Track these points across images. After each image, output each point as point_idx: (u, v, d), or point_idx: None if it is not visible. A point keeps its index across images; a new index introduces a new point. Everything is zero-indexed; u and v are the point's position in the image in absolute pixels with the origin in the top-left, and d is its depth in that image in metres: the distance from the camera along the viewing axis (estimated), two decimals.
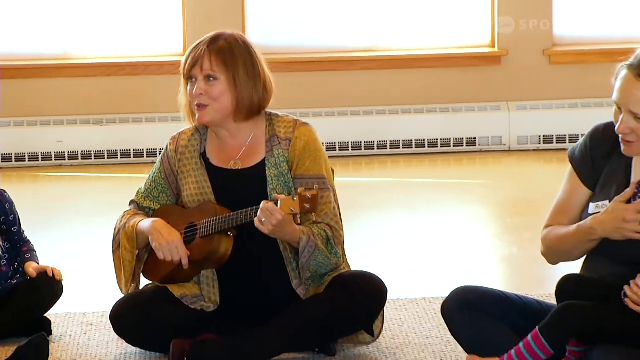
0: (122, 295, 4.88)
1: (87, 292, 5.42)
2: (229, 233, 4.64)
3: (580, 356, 4.06)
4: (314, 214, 4.51)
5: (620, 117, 4.11)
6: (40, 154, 7.82)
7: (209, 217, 4.69)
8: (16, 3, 7.98)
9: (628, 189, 4.11)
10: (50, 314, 5.13)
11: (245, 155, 4.82)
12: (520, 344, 4.07)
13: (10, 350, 4.60)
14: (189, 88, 4.77)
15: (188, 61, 4.75)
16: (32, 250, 5.17)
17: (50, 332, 5.06)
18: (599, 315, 4.08)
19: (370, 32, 8.05)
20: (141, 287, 4.98)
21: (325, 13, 8.01)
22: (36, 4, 7.98)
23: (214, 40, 4.74)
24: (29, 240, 5.19)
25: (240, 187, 4.78)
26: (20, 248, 5.16)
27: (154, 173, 4.91)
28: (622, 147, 4.15)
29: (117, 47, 8.05)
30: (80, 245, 6.19)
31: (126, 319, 4.81)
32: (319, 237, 4.61)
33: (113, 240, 4.84)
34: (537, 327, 4.03)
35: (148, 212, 4.89)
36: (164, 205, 4.91)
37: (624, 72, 4.12)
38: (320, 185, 4.67)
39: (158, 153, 7.60)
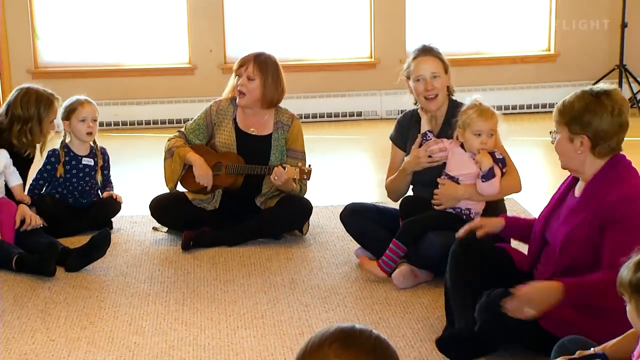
0: (158, 194, 4.96)
1: (133, 203, 5.39)
2: (243, 175, 4.77)
3: (405, 252, 4.19)
4: (307, 180, 4.66)
5: (424, 83, 4.26)
6: (104, 122, 7.75)
7: (232, 162, 4.75)
8: (89, 32, 7.87)
9: (417, 139, 4.24)
10: None
11: (260, 127, 4.84)
12: (387, 251, 4.20)
13: (87, 239, 4.59)
14: (236, 79, 4.75)
15: (240, 64, 4.75)
16: (111, 187, 5.20)
17: (111, 228, 5.06)
18: (426, 219, 4.16)
19: (300, 49, 8.00)
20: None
21: (276, 36, 7.95)
22: (102, 34, 7.87)
23: (258, 55, 4.76)
24: (111, 181, 5.22)
25: (253, 146, 4.81)
26: (106, 185, 5.16)
27: (199, 119, 4.89)
28: (426, 105, 4.28)
29: (149, 58, 7.95)
30: (128, 176, 6.16)
31: (158, 208, 4.94)
32: (297, 189, 4.77)
33: (167, 151, 4.84)
34: (394, 238, 4.17)
35: (190, 142, 4.86)
36: (201, 145, 4.85)
37: (414, 58, 4.34)
38: (303, 158, 4.83)
39: (175, 122, 7.62)
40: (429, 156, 4.18)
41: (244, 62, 4.73)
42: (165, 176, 4.86)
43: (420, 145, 4.24)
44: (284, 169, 4.56)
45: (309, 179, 4.64)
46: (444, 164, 4.18)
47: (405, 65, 4.40)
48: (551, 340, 3.19)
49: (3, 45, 7.64)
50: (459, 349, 3.40)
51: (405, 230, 4.14)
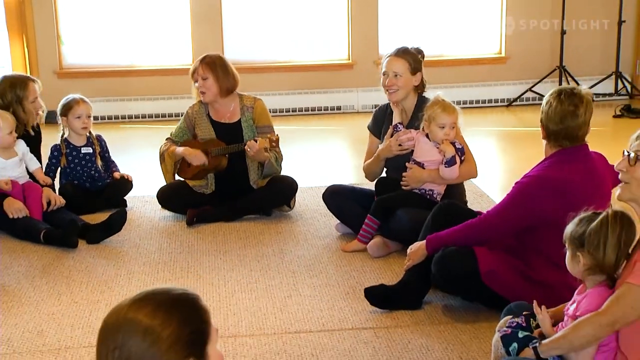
0: (163, 185, 4.91)
1: (144, 184, 5.37)
2: (226, 155, 4.71)
3: (379, 225, 4.20)
4: (276, 148, 4.62)
5: (387, 79, 4.26)
6: (119, 115, 7.72)
7: (214, 146, 4.73)
8: (106, 37, 7.81)
9: (389, 130, 4.25)
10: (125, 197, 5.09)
11: (229, 116, 4.81)
12: (364, 225, 4.22)
13: (105, 215, 4.58)
14: (196, 84, 4.75)
15: (192, 71, 4.76)
16: (116, 165, 5.18)
17: (126, 206, 5.03)
18: (396, 198, 4.16)
19: (288, 51, 7.96)
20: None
21: (267, 40, 7.91)
22: (118, 40, 7.81)
23: (203, 58, 4.77)
24: (113, 161, 5.17)
25: (228, 132, 4.79)
26: (110, 165, 5.13)
27: (181, 124, 4.91)
28: (388, 97, 4.31)
29: (158, 60, 7.90)
30: (139, 161, 6.13)
31: (164, 197, 4.94)
32: (273, 158, 4.68)
33: (160, 157, 4.86)
34: (368, 214, 4.20)
35: (177, 143, 4.85)
36: (188, 140, 4.86)
37: (388, 56, 4.30)
38: (272, 130, 4.75)
39: (179, 114, 7.54)
40: (399, 145, 4.18)
41: (194, 68, 4.74)
42: (164, 176, 4.90)
43: (391, 136, 4.24)
44: (256, 141, 4.57)
45: (277, 146, 4.63)
46: (412, 151, 4.19)
47: (382, 61, 4.37)
48: (494, 296, 3.22)
49: (32, 49, 7.59)
50: (382, 299, 3.52)
51: (377, 207, 4.15)
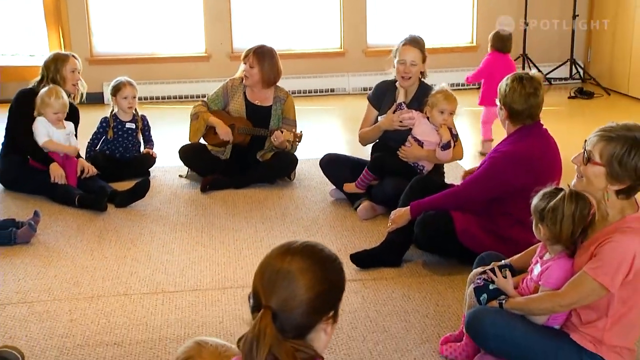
0: (186, 143, 4.83)
1: (164, 156, 5.32)
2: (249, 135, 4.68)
3: (374, 179, 4.08)
4: (298, 142, 4.58)
5: (405, 67, 4.11)
6: (143, 97, 7.60)
7: (242, 124, 4.65)
8: (131, 29, 7.70)
9: (392, 107, 4.18)
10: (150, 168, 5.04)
11: (263, 100, 4.73)
12: (361, 176, 4.19)
13: (131, 184, 4.56)
14: (244, 65, 4.65)
15: (245, 55, 4.66)
16: (152, 145, 5.11)
17: (149, 175, 5.01)
18: (394, 162, 4.12)
19: (289, 41, 7.86)
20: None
21: (271, 32, 7.81)
22: (141, 31, 7.70)
23: (257, 48, 4.65)
24: (152, 141, 5.12)
25: (257, 113, 4.71)
26: (148, 142, 5.14)
27: (218, 91, 4.79)
28: (401, 82, 4.21)
29: (176, 48, 7.80)
30: (160, 136, 6.07)
31: (186, 155, 4.85)
32: (291, 148, 4.67)
33: (193, 115, 4.74)
34: (366, 168, 4.12)
35: (210, 109, 4.74)
36: (219, 110, 4.75)
37: (403, 44, 4.13)
38: (295, 124, 4.71)
39: (195, 97, 7.51)
40: (400, 122, 4.11)
41: (247, 54, 4.67)
42: (190, 132, 4.82)
43: (394, 112, 4.17)
44: (282, 132, 4.50)
45: (300, 142, 4.60)
46: (409, 128, 4.13)
47: (395, 46, 4.23)
48: (468, 253, 3.23)
49: (67, 39, 7.53)
50: (366, 260, 3.50)
51: (375, 163, 4.13)
